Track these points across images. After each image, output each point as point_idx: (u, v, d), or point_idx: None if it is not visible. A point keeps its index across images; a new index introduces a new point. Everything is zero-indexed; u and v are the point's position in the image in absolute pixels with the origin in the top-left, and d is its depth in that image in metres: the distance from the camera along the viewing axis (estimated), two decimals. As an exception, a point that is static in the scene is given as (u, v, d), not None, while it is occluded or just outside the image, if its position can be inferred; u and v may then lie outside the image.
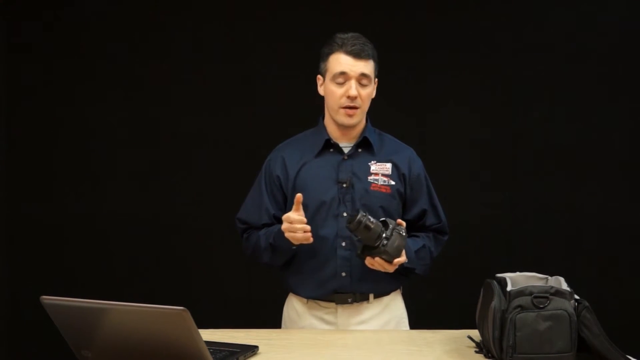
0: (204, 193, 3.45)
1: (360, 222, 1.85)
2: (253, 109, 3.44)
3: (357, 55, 1.98)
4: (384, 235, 1.87)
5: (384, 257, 1.89)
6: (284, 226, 1.93)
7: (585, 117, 3.39)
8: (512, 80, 3.40)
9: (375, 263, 1.92)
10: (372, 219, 1.87)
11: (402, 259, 1.92)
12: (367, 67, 1.99)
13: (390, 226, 1.89)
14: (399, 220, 1.96)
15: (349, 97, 1.99)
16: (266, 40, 3.42)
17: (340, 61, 1.99)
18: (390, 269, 1.93)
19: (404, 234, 1.91)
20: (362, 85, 2.00)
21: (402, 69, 3.38)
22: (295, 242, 1.94)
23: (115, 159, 3.49)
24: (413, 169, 2.11)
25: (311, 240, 1.93)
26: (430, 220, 2.14)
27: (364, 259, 1.93)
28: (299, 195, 1.92)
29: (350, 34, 2.02)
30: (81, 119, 3.49)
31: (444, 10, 3.41)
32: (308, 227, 1.91)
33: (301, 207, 1.93)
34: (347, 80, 1.99)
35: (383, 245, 1.87)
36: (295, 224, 1.90)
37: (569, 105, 3.39)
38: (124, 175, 3.49)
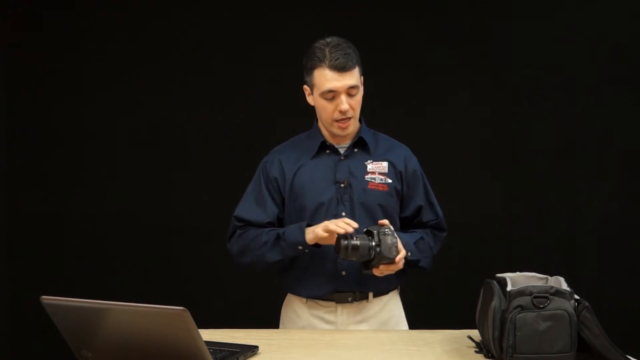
0: (203, 193, 3.45)
1: (346, 248, 1.85)
2: (253, 109, 3.44)
3: (342, 68, 1.95)
4: (373, 244, 1.88)
5: (384, 262, 1.90)
6: (328, 222, 1.91)
7: (586, 116, 3.39)
8: (512, 80, 3.40)
9: (383, 270, 1.93)
10: (355, 237, 1.86)
11: (402, 253, 1.92)
12: (353, 77, 1.97)
13: (375, 232, 1.89)
14: (381, 221, 1.95)
15: (340, 111, 1.99)
16: (265, 40, 3.42)
17: (327, 77, 1.96)
18: (398, 267, 1.94)
19: (389, 232, 1.90)
20: (352, 96, 1.99)
21: (401, 68, 3.38)
22: (332, 230, 1.90)
23: (115, 159, 3.49)
24: (409, 166, 2.12)
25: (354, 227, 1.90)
26: (427, 216, 2.15)
27: (372, 273, 1.94)
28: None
29: (330, 43, 1.98)
30: (81, 119, 3.49)
31: (444, 9, 3.41)
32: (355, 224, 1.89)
33: None
34: (337, 96, 1.98)
35: (378, 253, 1.88)
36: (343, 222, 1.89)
37: (569, 105, 3.39)
38: (123, 175, 3.49)
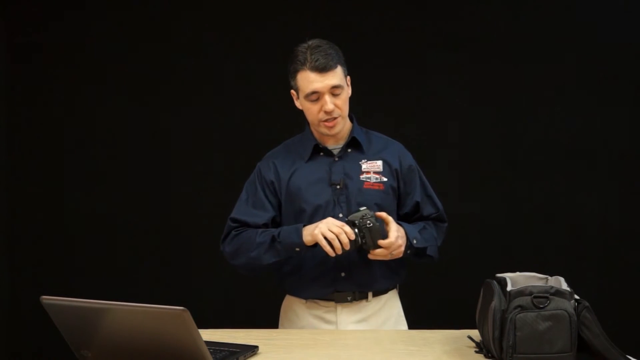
0: (203, 193, 3.45)
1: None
2: (254, 111, 3.44)
3: (323, 69, 1.95)
4: (356, 230, 1.89)
5: (372, 249, 1.92)
6: (331, 220, 1.91)
7: (585, 116, 3.39)
8: (512, 80, 3.40)
9: (376, 256, 1.94)
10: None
11: (392, 234, 1.92)
12: (335, 77, 1.97)
13: (356, 222, 1.90)
14: (378, 214, 1.96)
15: (326, 112, 1.99)
16: (265, 40, 3.42)
17: (309, 79, 1.96)
18: (391, 250, 1.93)
19: (370, 222, 1.89)
20: (336, 95, 1.99)
21: (400, 68, 3.38)
22: (319, 239, 1.89)
23: (115, 159, 3.49)
24: (404, 163, 2.12)
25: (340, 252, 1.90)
26: (427, 210, 2.15)
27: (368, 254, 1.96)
28: None
29: (310, 45, 1.99)
30: (82, 119, 3.50)
31: (442, 9, 3.41)
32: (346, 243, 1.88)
33: None
34: (320, 97, 1.98)
35: (364, 244, 1.90)
36: (343, 232, 1.87)
37: (569, 105, 3.39)
38: (124, 175, 3.49)
